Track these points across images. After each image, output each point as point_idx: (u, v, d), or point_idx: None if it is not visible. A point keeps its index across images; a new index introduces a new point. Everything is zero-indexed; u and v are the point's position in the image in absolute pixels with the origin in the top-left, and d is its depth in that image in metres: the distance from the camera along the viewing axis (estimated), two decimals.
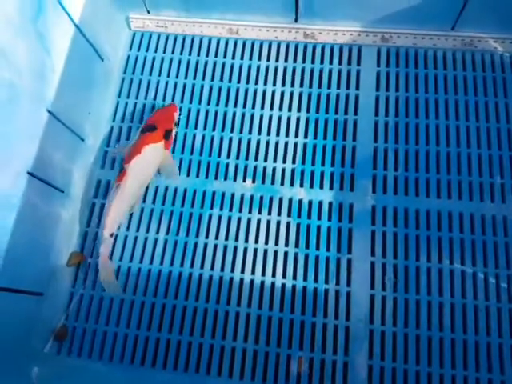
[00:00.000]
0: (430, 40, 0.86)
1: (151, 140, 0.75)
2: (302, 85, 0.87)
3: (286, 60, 0.89)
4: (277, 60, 0.89)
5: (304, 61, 0.89)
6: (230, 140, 0.84)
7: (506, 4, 0.77)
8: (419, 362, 0.69)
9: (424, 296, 0.72)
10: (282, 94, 0.87)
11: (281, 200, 0.79)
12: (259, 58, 0.89)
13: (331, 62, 0.88)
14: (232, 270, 0.76)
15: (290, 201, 0.79)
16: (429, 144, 0.80)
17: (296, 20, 0.88)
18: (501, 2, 0.77)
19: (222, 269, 0.76)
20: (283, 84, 0.87)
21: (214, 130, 0.85)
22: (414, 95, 0.84)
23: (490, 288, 0.71)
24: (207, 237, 0.78)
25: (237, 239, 0.77)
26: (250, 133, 0.84)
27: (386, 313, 0.71)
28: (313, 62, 0.89)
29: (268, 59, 0.89)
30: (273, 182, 0.81)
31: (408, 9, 0.81)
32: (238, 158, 0.83)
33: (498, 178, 0.77)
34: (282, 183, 0.81)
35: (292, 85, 0.87)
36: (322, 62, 0.88)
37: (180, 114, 0.83)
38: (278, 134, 0.84)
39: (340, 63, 0.88)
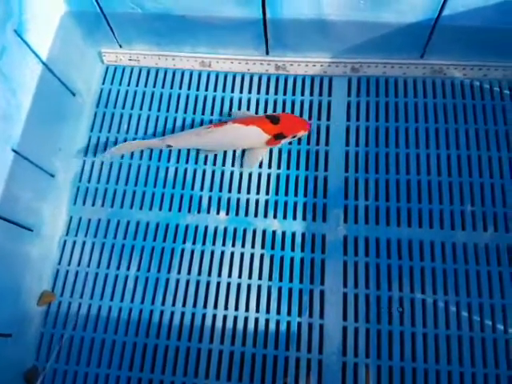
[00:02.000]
0: (400, 69, 0.89)
1: (263, 126, 0.80)
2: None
3: (258, 92, 0.92)
4: (249, 92, 0.92)
5: (276, 92, 0.92)
6: (204, 172, 0.86)
7: (471, 32, 0.80)
8: None
9: (396, 327, 0.73)
10: None
11: (254, 232, 0.81)
12: (232, 91, 0.92)
13: (303, 94, 0.91)
14: (205, 306, 0.77)
15: (264, 232, 0.81)
16: (399, 173, 0.83)
17: (267, 52, 0.91)
18: (466, 31, 0.80)
19: (195, 305, 0.77)
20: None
21: (187, 162, 0.87)
22: (384, 124, 0.87)
23: (461, 317, 0.73)
24: (179, 272, 0.79)
25: (210, 274, 0.78)
26: (223, 164, 0.86)
27: (358, 344, 0.73)
28: (285, 93, 0.92)
29: (241, 91, 0.92)
30: (246, 214, 0.82)
31: (377, 39, 0.84)
32: (211, 190, 0.84)
33: (469, 205, 0.79)
34: (256, 215, 0.82)
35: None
36: (293, 93, 0.91)
37: (301, 135, 0.84)
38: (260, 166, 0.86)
39: (311, 94, 0.91)
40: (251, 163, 0.84)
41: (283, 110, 0.90)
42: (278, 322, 0.75)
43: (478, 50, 0.85)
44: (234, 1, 0.78)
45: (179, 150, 0.87)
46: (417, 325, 0.73)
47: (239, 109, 0.89)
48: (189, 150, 0.87)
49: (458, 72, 0.88)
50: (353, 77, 0.91)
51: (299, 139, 0.86)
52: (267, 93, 0.92)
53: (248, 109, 0.90)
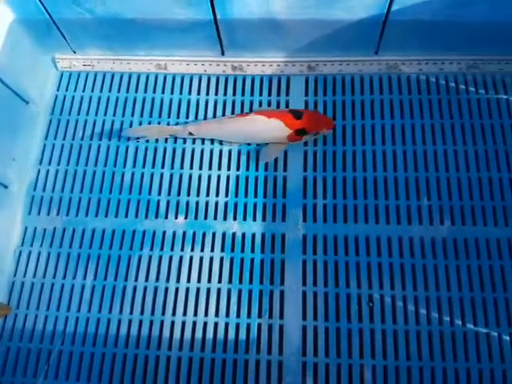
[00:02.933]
0: (356, 66, 0.90)
1: (286, 120, 0.80)
2: None
3: (216, 93, 0.92)
4: (207, 93, 0.92)
5: (234, 93, 0.92)
6: (161, 176, 0.85)
7: (422, 27, 0.81)
8: None
9: (355, 324, 0.73)
10: None
11: (214, 235, 0.81)
12: (189, 92, 0.92)
13: (261, 94, 0.91)
14: (163, 313, 0.76)
15: (224, 235, 0.81)
16: (356, 170, 0.83)
17: (223, 53, 0.91)
18: (416, 25, 0.81)
19: (153, 312, 0.76)
20: (214, 116, 0.90)
21: (143, 166, 0.86)
22: (342, 122, 0.87)
23: (419, 312, 0.73)
24: (136, 279, 0.78)
25: (168, 280, 0.78)
26: (181, 167, 0.86)
27: (318, 344, 0.73)
28: (243, 94, 0.92)
29: (198, 93, 0.92)
30: (206, 217, 0.82)
31: (331, 36, 0.85)
32: (169, 194, 0.84)
33: (425, 199, 0.80)
34: (215, 217, 0.82)
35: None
36: (252, 93, 0.91)
37: (323, 133, 0.84)
38: (210, 168, 0.86)
39: (269, 94, 0.91)
40: (268, 156, 0.84)
41: (241, 111, 0.89)
42: (237, 326, 0.75)
43: (432, 44, 0.86)
44: (182, 3, 0.77)
45: (135, 155, 0.87)
46: (375, 321, 0.73)
47: (260, 106, 0.89)
48: (146, 153, 0.87)
49: (414, 67, 0.89)
50: (310, 75, 0.91)
51: (314, 140, 0.85)
52: (225, 94, 0.92)
53: (205, 111, 0.90)
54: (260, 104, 0.90)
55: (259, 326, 0.75)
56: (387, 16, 0.78)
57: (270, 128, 0.81)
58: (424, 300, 0.74)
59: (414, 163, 0.83)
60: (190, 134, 0.84)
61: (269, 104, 0.90)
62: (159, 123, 0.88)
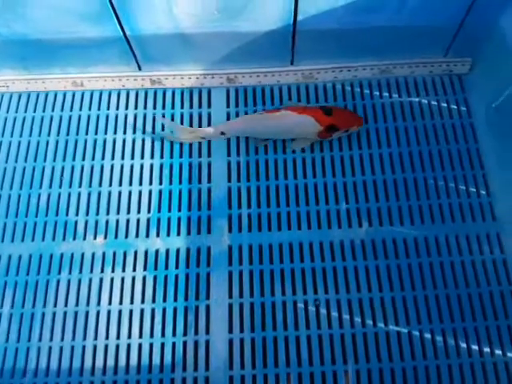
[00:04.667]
0: (273, 77, 0.92)
1: (317, 116, 0.81)
2: (154, 131, 0.90)
3: (136, 107, 0.92)
4: (126, 108, 0.91)
5: (155, 107, 0.92)
6: (79, 195, 0.84)
7: (331, 35, 0.84)
8: None
9: (280, 332, 0.74)
10: (134, 141, 0.89)
11: (136, 254, 0.80)
12: (108, 108, 0.91)
13: (182, 106, 0.92)
14: (84, 338, 0.75)
15: (146, 253, 0.80)
16: (278, 178, 0.85)
17: (139, 68, 0.91)
18: (325, 34, 0.83)
19: (74, 338, 0.75)
20: (134, 132, 0.89)
21: (60, 187, 0.84)
22: None
23: (343, 316, 0.75)
24: (55, 305, 0.76)
25: (88, 303, 0.76)
26: (100, 185, 0.85)
27: (244, 356, 0.73)
28: (163, 107, 0.92)
29: (117, 108, 0.91)
30: (126, 236, 0.81)
31: (245, 48, 0.87)
32: (87, 214, 0.83)
33: (344, 203, 0.82)
34: (137, 235, 0.81)
35: (143, 132, 0.90)
36: (172, 106, 0.92)
37: (353, 130, 0.84)
38: (130, 184, 0.85)
39: (191, 107, 0.92)
40: (299, 146, 0.85)
41: (163, 124, 0.89)
42: (162, 345, 0.74)
43: (344, 52, 0.90)
44: (88, 21, 0.77)
45: (51, 175, 0.85)
46: (300, 328, 0.74)
47: (290, 99, 0.90)
48: (62, 172, 0.85)
49: (329, 75, 0.92)
50: (231, 87, 0.93)
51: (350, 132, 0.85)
52: (145, 107, 0.92)
53: (125, 126, 0.89)
54: (181, 117, 0.90)
55: (185, 343, 0.74)
56: (294, 26, 0.80)
57: (300, 124, 0.82)
58: (346, 303, 0.76)
59: (331, 169, 0.85)
60: (222, 133, 0.85)
61: (190, 117, 0.90)
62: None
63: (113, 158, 0.87)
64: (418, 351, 0.73)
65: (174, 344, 0.74)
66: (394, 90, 0.92)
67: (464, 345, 0.73)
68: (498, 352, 0.73)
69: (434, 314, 0.75)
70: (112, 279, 0.78)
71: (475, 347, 0.73)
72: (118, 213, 0.83)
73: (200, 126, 0.90)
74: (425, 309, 0.76)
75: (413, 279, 0.77)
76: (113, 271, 0.78)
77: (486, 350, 0.73)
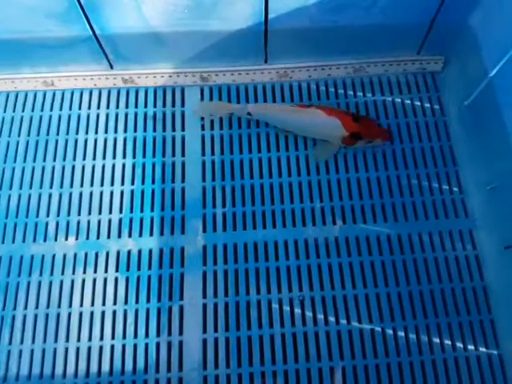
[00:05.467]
0: (247, 75, 0.93)
1: (344, 120, 0.81)
2: (126, 130, 0.90)
3: (108, 107, 0.92)
4: (98, 107, 0.92)
5: (127, 106, 0.92)
6: (50, 196, 0.84)
7: (304, 33, 0.86)
8: None
9: (255, 331, 0.75)
10: (106, 141, 0.89)
11: (108, 254, 0.80)
12: (79, 107, 0.92)
13: (155, 105, 0.92)
14: (55, 340, 0.75)
15: (118, 254, 0.81)
16: (253, 177, 0.86)
17: (111, 67, 0.91)
18: (298, 32, 0.85)
19: (45, 340, 0.75)
20: (106, 131, 0.90)
21: (31, 187, 0.84)
22: (238, 131, 0.90)
23: (317, 313, 0.77)
24: (26, 307, 0.76)
25: (59, 305, 0.77)
26: (71, 186, 0.85)
27: (219, 355, 0.74)
28: (136, 106, 0.92)
29: (89, 107, 0.92)
30: (98, 237, 0.82)
31: (218, 47, 0.87)
32: (58, 214, 0.83)
33: (318, 201, 0.84)
34: (109, 236, 0.82)
35: (115, 131, 0.90)
36: (145, 105, 0.92)
37: (377, 143, 0.84)
38: (102, 184, 0.86)
39: (164, 105, 0.92)
40: (321, 156, 0.85)
41: (135, 124, 0.90)
42: (135, 346, 0.75)
43: (318, 51, 0.91)
44: (57, 20, 0.77)
45: (22, 176, 0.85)
46: (275, 326, 0.76)
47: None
48: (33, 173, 0.85)
49: (303, 74, 0.94)
50: (205, 86, 0.94)
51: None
52: (117, 107, 0.92)
53: (97, 125, 0.90)
54: (154, 116, 0.91)
55: (158, 344, 0.75)
56: (266, 25, 0.81)
57: (327, 125, 0.82)
58: (320, 300, 0.77)
59: (306, 167, 0.87)
60: (249, 114, 0.86)
61: (164, 116, 0.91)
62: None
63: (84, 158, 0.88)
64: (391, 348, 0.75)
65: (146, 345, 0.75)
66: (367, 89, 0.94)
67: (437, 340, 0.75)
68: (471, 347, 0.75)
69: (407, 311, 0.77)
70: (83, 280, 0.78)
71: (448, 342, 0.75)
72: (90, 213, 0.83)
73: (174, 126, 0.91)
74: (398, 305, 0.77)
75: (386, 276, 0.79)
76: (84, 272, 0.79)
77: (459, 345, 0.75)
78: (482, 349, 0.75)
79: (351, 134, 0.82)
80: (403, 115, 0.91)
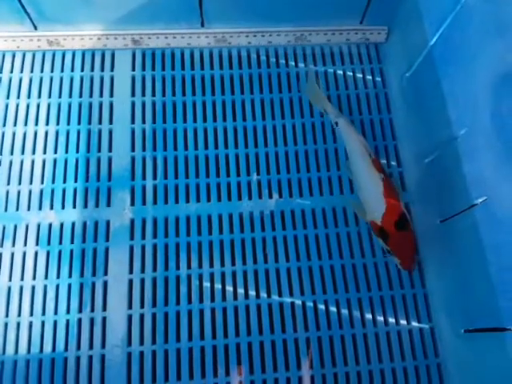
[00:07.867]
0: (183, 39, 0.93)
1: (390, 214, 0.76)
2: (50, 95, 0.89)
3: (32, 70, 0.90)
4: (21, 71, 0.90)
5: (52, 70, 0.91)
6: None
7: None
8: (180, 376, 0.74)
9: (184, 306, 0.77)
10: (28, 106, 0.88)
11: (27, 227, 0.80)
12: (1, 71, 0.89)
13: (83, 69, 0.91)
14: None
15: (39, 227, 0.80)
16: (188, 149, 0.87)
17: (35, 27, 0.89)
18: None
19: None
20: (29, 96, 0.88)
21: None
22: (172, 98, 0.90)
23: (248, 288, 0.79)
24: None
25: None
26: None
27: (144, 332, 0.76)
28: (62, 70, 0.91)
29: (11, 71, 0.90)
30: (17, 208, 0.81)
31: (151, 8, 0.87)
32: None
33: (255, 175, 0.86)
34: (29, 208, 0.81)
35: (39, 96, 0.89)
36: (72, 69, 0.91)
37: (392, 256, 0.80)
38: (23, 152, 0.85)
39: (92, 69, 0.92)
40: (359, 212, 0.83)
41: (60, 89, 0.89)
42: (55, 323, 0.75)
43: (259, 16, 0.92)
44: None
45: None
46: (205, 301, 0.78)
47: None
48: None
49: (242, 40, 0.95)
50: (137, 50, 0.93)
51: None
52: (42, 70, 0.91)
53: (19, 89, 0.88)
54: (81, 80, 0.90)
55: (79, 320, 0.76)
56: None
57: (374, 199, 0.78)
58: (253, 273, 0.80)
59: (244, 139, 0.88)
60: (336, 123, 0.83)
61: (91, 81, 0.90)
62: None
63: (4, 124, 0.86)
64: (322, 322, 0.79)
65: (67, 321, 0.76)
66: (310, 60, 0.96)
67: (369, 315, 0.80)
68: (403, 321, 0.80)
69: (339, 285, 0.81)
70: (1, 254, 0.78)
71: (369, 316, 0.79)
72: (9, 183, 0.82)
73: (102, 90, 0.90)
74: (330, 279, 0.81)
75: (320, 250, 0.83)
76: (1, 246, 0.78)
77: (391, 320, 0.80)
78: (415, 323, 0.80)
79: (382, 229, 0.77)
80: (344, 87, 0.94)
